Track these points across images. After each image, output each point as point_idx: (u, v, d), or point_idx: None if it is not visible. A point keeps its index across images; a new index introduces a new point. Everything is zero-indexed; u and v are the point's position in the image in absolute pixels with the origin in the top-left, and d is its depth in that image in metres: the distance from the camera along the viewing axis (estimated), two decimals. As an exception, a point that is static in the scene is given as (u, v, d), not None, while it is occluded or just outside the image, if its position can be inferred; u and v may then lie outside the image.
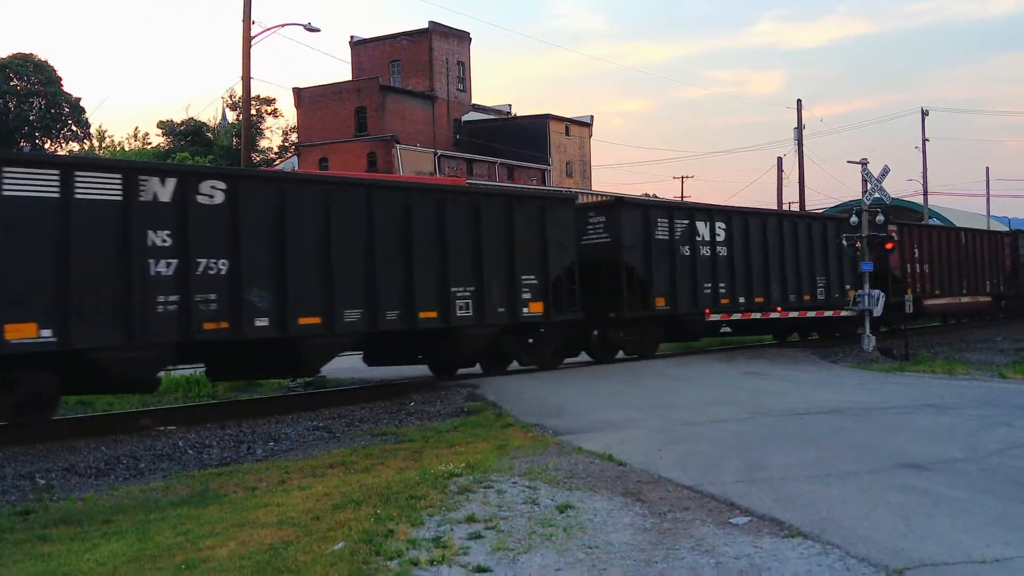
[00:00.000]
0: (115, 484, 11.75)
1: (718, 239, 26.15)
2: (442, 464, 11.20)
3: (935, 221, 57.97)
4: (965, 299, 39.44)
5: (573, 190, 53.41)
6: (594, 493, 9.62)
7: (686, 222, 25.34)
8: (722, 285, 26.16)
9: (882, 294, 28.19)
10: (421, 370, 22.41)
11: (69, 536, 8.77)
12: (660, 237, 24.50)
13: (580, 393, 18.21)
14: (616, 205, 24.70)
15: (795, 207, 54.80)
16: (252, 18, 29.39)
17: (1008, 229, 50.79)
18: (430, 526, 8.37)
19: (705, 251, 25.77)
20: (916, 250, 35.46)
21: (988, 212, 74.54)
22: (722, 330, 29.18)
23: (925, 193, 65.24)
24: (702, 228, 25.75)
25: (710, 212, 26.92)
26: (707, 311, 25.82)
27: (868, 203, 28.41)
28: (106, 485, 11.70)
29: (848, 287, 29.81)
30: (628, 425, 14.18)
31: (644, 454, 11.64)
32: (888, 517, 8.44)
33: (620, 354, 24.81)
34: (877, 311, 27.77)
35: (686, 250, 25.13)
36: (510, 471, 10.77)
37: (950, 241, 39.05)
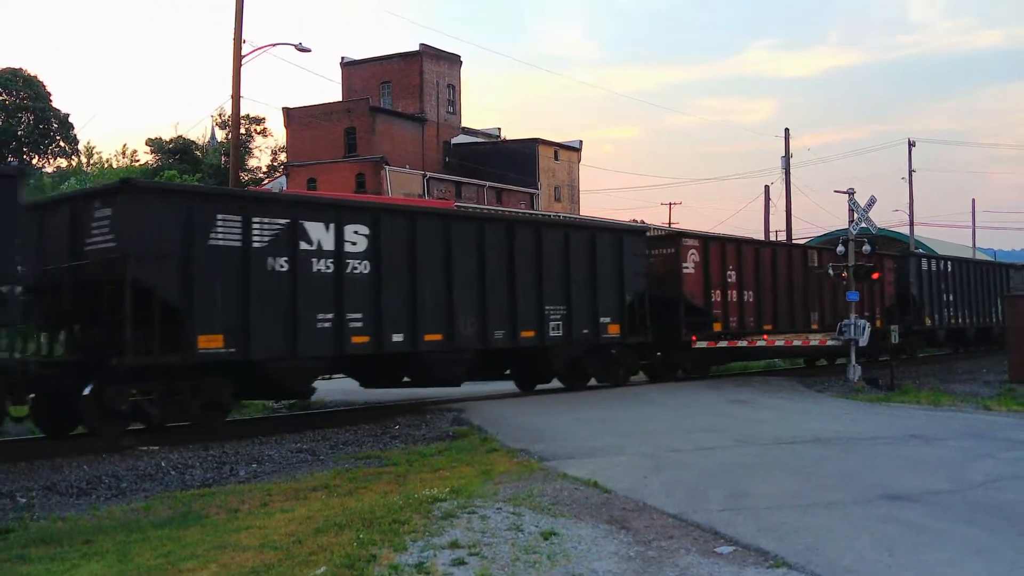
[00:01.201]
0: (96, 504, 11.65)
1: (351, 249, 17.99)
2: (426, 489, 11.14)
3: (921, 251, 57.80)
4: (817, 337, 30.48)
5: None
6: (579, 520, 9.59)
7: (282, 223, 17.11)
8: (355, 317, 17.93)
9: (867, 324, 28.24)
10: (407, 393, 22.31)
11: (49, 556, 8.69)
12: (221, 243, 16.23)
13: (566, 419, 18.15)
14: (122, 190, 15.94)
15: (782, 236, 55.05)
16: (243, 37, 29.44)
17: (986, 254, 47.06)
18: (413, 551, 8.32)
19: (323, 266, 17.54)
20: (731, 272, 27.24)
21: (974, 243, 75.07)
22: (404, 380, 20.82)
23: (911, 223, 65.70)
24: (318, 233, 17.55)
25: (337, 209, 18.40)
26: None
27: (855, 233, 28.56)
28: (87, 505, 11.60)
29: (607, 320, 23.15)
30: (614, 452, 14.14)
31: (629, 481, 11.61)
32: (872, 548, 8.44)
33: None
34: (863, 341, 27.85)
35: (280, 264, 16.93)
36: (494, 497, 10.73)
37: (793, 263, 30.17)
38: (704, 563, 8.01)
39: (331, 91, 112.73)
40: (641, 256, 24.47)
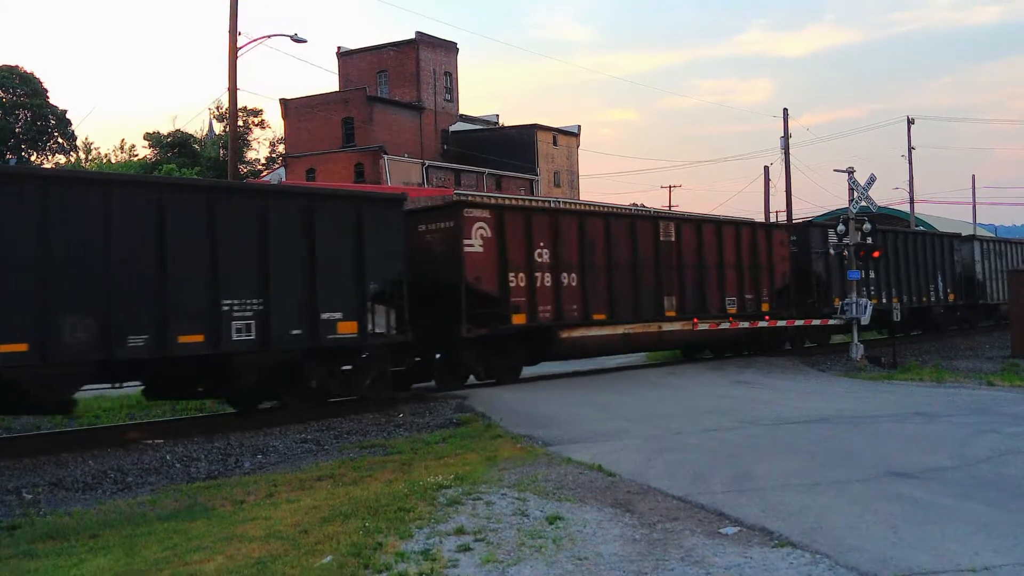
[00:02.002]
0: (102, 498, 11.69)
1: None
2: (431, 476, 11.17)
3: (922, 229, 57.01)
4: (674, 326, 25.22)
5: None
6: (583, 504, 9.61)
7: None
8: None
9: (870, 303, 28.15)
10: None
11: (55, 551, 8.72)
12: None
13: (571, 403, 18.19)
14: None
15: (783, 216, 54.95)
16: (238, 29, 29.35)
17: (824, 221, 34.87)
18: (419, 539, 8.34)
19: None
20: (543, 250, 21.96)
21: (975, 219, 74.92)
22: None
23: (912, 201, 65.51)
24: None
25: None
26: None
27: (855, 211, 28.49)
28: (93, 499, 11.64)
29: (337, 316, 17.55)
30: (618, 435, 14.17)
31: (634, 464, 11.64)
32: (877, 526, 8.45)
33: None
34: (865, 319, 27.81)
35: None
36: (499, 482, 10.75)
37: (639, 237, 24.61)
38: (709, 544, 8.03)
39: (328, 81, 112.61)
40: (395, 232, 18.82)
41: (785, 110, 53.94)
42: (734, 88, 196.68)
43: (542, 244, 22.00)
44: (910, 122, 65.18)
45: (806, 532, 8.27)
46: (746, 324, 27.27)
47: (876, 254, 28.17)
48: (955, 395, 18.73)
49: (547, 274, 22.00)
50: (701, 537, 8.27)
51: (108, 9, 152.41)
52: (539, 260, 21.87)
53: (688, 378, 22.93)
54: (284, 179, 62.29)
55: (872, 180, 29.13)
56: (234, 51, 29.16)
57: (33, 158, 70.51)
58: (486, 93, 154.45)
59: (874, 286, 32.35)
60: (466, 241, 20.40)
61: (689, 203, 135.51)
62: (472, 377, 21.75)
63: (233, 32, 29.20)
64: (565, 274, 22.38)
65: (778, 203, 60.18)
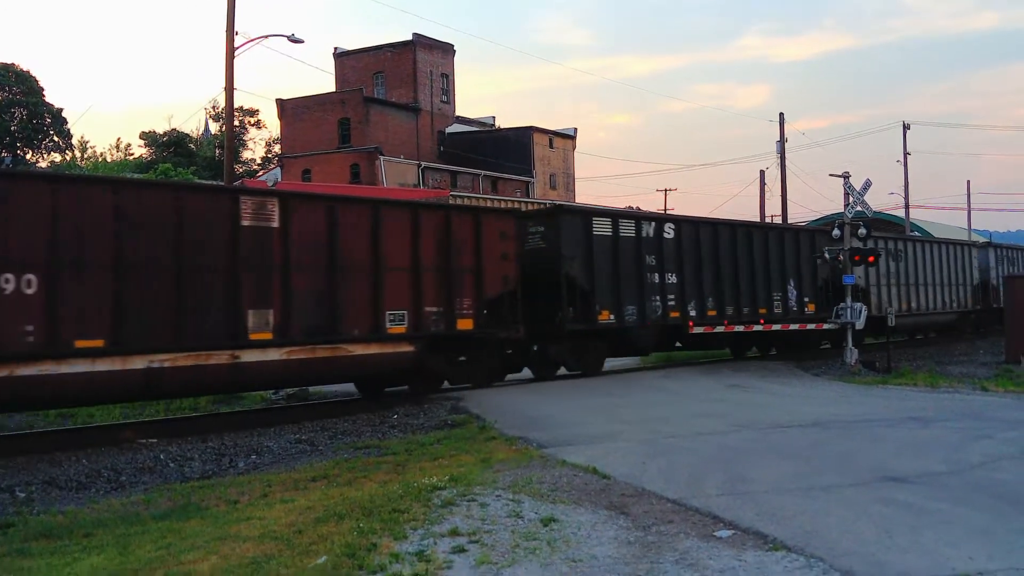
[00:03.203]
0: (96, 497, 11.67)
1: None
2: (425, 477, 11.15)
3: (917, 235, 56.75)
4: (266, 355, 16.82)
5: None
6: (578, 506, 9.60)
7: None
8: None
9: (864, 307, 28.12)
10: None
11: (49, 550, 8.69)
12: None
13: (565, 406, 18.17)
14: None
15: (778, 220, 54.99)
16: (235, 29, 29.33)
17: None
18: (413, 540, 8.33)
19: None
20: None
21: (969, 225, 75.10)
22: None
23: (907, 207, 65.60)
24: None
25: None
26: None
27: (850, 216, 28.50)
28: (87, 498, 11.62)
29: None
30: (612, 438, 14.15)
31: (628, 467, 11.63)
32: (871, 530, 8.46)
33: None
34: (859, 324, 27.80)
35: None
36: (494, 484, 10.74)
37: (193, 217, 16.00)
38: (703, 547, 8.03)
39: (325, 82, 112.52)
40: None
41: (781, 115, 54.23)
42: (732, 92, 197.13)
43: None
44: (906, 127, 65.35)
45: (801, 536, 8.28)
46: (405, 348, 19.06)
47: (872, 259, 28.05)
48: (949, 400, 18.77)
49: (38, 276, 14.19)
50: (695, 540, 8.27)
51: (105, 8, 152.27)
52: (35, 257, 14.20)
53: (683, 382, 22.92)
54: (280, 179, 62.22)
55: (867, 185, 29.14)
56: (231, 51, 29.14)
57: (29, 156, 70.42)
58: (483, 95, 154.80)
59: (676, 296, 25.59)
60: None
61: (685, 206, 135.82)
62: None
63: (230, 32, 29.18)
64: (11, 276, 13.97)
65: (774, 207, 60.18)
